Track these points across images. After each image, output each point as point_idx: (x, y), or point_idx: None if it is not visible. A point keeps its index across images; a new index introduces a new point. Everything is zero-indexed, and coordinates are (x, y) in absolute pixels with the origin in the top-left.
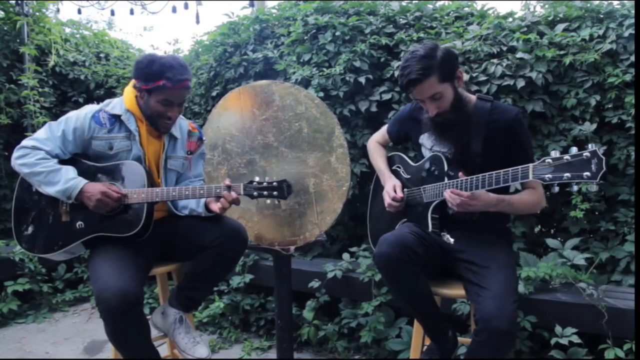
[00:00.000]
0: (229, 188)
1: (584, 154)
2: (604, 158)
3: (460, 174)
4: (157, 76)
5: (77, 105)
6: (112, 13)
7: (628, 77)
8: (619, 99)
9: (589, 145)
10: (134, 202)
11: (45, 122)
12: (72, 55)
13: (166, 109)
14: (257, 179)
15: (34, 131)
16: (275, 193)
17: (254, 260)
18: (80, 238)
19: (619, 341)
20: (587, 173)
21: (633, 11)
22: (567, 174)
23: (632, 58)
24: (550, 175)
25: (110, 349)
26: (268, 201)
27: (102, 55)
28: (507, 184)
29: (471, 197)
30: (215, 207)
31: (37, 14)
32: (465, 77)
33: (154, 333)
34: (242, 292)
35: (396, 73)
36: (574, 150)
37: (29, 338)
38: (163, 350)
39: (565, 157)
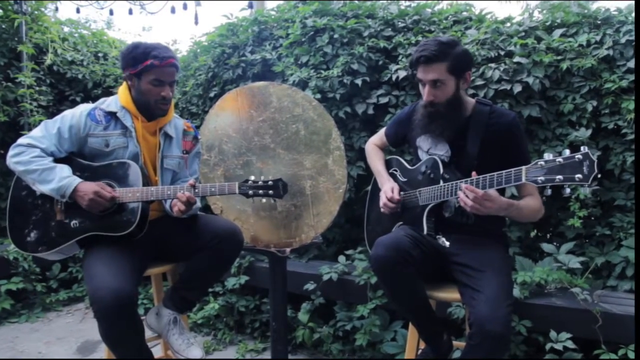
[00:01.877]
0: (192, 188)
1: (576, 156)
2: (595, 160)
3: (473, 173)
4: (144, 57)
5: (74, 105)
6: (111, 13)
7: (624, 83)
8: (615, 104)
9: (582, 148)
10: (128, 201)
11: (41, 121)
12: (70, 54)
13: (158, 89)
14: (252, 177)
15: (30, 130)
16: (270, 192)
17: (250, 262)
18: (75, 237)
19: (614, 346)
20: (579, 175)
21: (630, 18)
22: (560, 176)
23: (629, 64)
24: (542, 178)
25: (104, 349)
26: (264, 200)
27: (100, 54)
28: (501, 186)
29: (486, 198)
30: (174, 209)
31: (36, 12)
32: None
33: (148, 334)
34: (237, 294)
35: (394, 76)
36: (567, 152)
37: (22, 338)
38: (157, 351)
39: (557, 160)
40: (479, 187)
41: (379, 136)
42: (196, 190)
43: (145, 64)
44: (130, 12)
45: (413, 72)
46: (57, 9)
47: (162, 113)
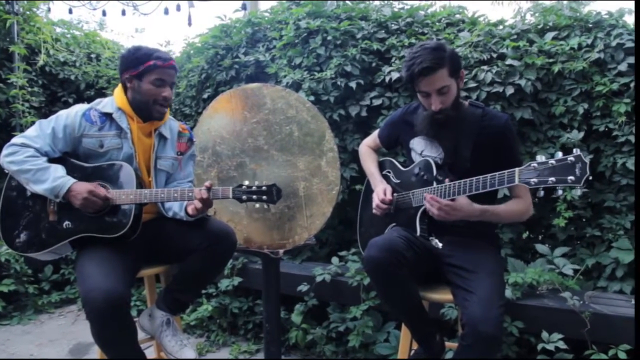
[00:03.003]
0: (208, 190)
1: (569, 159)
2: (587, 162)
3: (446, 180)
4: (147, 57)
5: (67, 106)
6: (104, 13)
7: (615, 86)
8: (606, 107)
9: (574, 150)
10: (122, 203)
11: (33, 122)
12: (62, 55)
13: (159, 89)
14: (246, 182)
15: (22, 131)
16: (264, 197)
17: (243, 263)
18: (67, 238)
19: (604, 347)
20: (572, 177)
21: (621, 21)
22: (552, 178)
23: (620, 67)
24: (535, 180)
25: (96, 351)
26: (257, 205)
27: (93, 55)
28: (494, 188)
29: (451, 207)
30: (189, 209)
31: (28, 12)
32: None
33: (141, 335)
34: (231, 295)
35: (387, 78)
36: (559, 154)
37: (13, 340)
38: (150, 353)
39: (550, 162)
40: (471, 189)
41: (372, 138)
42: (190, 194)
43: (147, 64)
44: (124, 13)
45: (413, 87)
46: (49, 9)
47: (159, 116)
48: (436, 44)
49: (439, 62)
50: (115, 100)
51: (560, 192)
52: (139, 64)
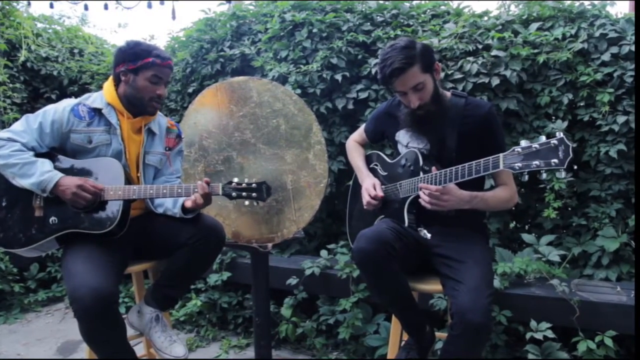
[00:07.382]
0: (207, 184)
1: (552, 142)
2: (570, 145)
3: (433, 168)
4: (146, 54)
5: (50, 102)
6: (86, 8)
7: (599, 76)
8: (590, 97)
9: (557, 134)
10: (110, 199)
11: (16, 119)
12: (44, 51)
13: (155, 87)
14: (235, 179)
15: (3, 128)
16: (254, 195)
17: (232, 258)
18: (53, 234)
19: (591, 334)
20: (555, 160)
21: (604, 12)
22: (536, 162)
23: (603, 57)
24: (520, 164)
25: (85, 349)
26: (247, 202)
27: (75, 50)
28: (479, 174)
29: (442, 192)
30: (188, 202)
31: (7, 7)
32: (441, 74)
33: (130, 332)
34: (220, 290)
35: (373, 70)
36: (542, 138)
37: (0, 340)
38: (139, 349)
39: (533, 146)
40: (457, 177)
41: (359, 132)
42: (179, 191)
43: (146, 60)
44: (106, 7)
45: (388, 88)
46: (29, 3)
47: (153, 111)
48: (405, 42)
49: (409, 61)
50: (104, 96)
51: (544, 175)
52: (137, 58)
